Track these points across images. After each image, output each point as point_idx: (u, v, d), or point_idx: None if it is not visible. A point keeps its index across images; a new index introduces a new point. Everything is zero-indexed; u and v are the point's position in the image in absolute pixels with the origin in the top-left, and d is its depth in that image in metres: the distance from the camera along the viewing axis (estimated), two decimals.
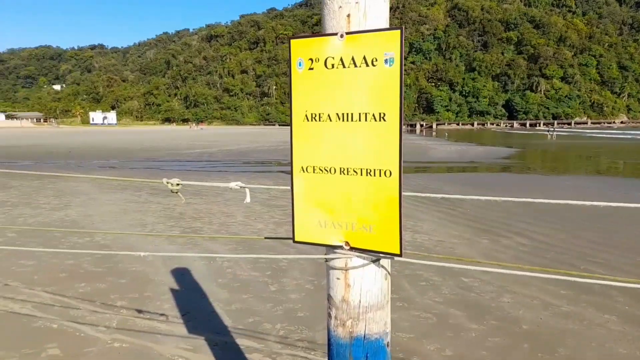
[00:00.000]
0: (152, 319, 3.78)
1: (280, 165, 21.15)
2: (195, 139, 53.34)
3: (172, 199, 10.01)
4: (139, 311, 3.93)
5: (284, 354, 3.24)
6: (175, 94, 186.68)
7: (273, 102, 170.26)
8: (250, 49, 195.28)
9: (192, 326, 3.67)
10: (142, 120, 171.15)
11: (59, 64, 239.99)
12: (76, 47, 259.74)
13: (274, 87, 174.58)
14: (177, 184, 1.74)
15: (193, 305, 4.14)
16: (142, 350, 3.28)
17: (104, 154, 27.04)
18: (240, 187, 1.65)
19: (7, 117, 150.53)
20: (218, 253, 5.81)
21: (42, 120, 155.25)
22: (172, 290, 4.46)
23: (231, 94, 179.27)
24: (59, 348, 3.30)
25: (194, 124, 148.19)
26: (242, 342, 3.43)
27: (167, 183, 1.73)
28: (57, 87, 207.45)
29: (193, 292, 4.46)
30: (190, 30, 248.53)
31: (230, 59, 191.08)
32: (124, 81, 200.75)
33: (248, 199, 1.65)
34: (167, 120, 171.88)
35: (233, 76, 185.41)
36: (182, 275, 4.95)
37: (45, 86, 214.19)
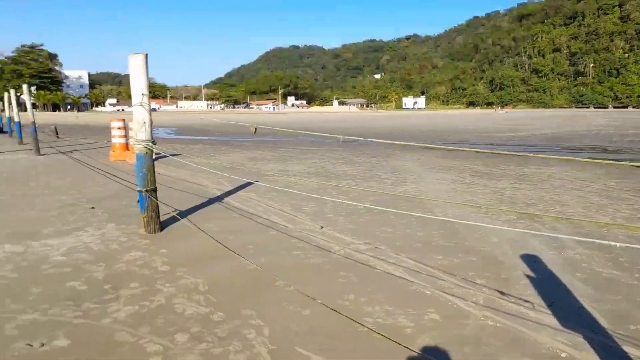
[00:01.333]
0: (517, 304, 3.64)
1: (606, 152, 18.23)
2: (500, 122, 51.03)
3: (499, 183, 9.72)
4: (501, 293, 3.85)
5: None
6: (481, 78, 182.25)
7: (589, 82, 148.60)
8: (566, 24, 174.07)
9: (563, 319, 3.38)
10: (447, 105, 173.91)
11: (380, 55, 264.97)
12: (394, 39, 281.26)
13: (592, 65, 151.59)
14: None
15: (556, 296, 3.82)
16: (517, 335, 3.18)
17: (417, 135, 28.47)
18: None
19: (340, 103, 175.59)
20: (563, 242, 5.27)
21: (364, 105, 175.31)
22: (528, 277, 4.24)
23: (540, 74, 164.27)
24: (437, 314, 3.49)
25: (498, 108, 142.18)
26: (630, 350, 2.97)
27: None
28: (377, 76, 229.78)
29: (551, 282, 4.14)
30: (501, 11, 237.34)
31: (541, 37, 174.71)
32: (433, 67, 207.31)
33: None
34: (472, 104, 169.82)
35: (543, 56, 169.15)
36: (533, 261, 4.66)
37: (368, 75, 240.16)
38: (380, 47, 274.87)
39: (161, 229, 5.54)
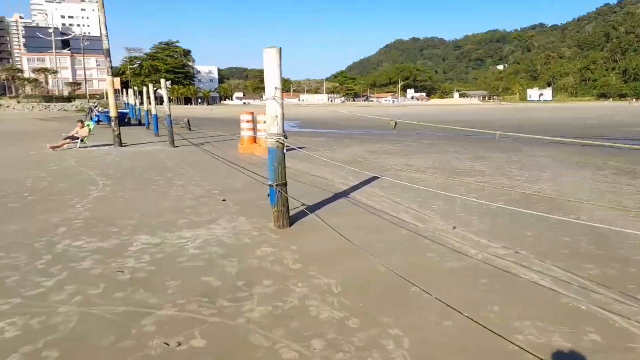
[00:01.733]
0: None
1: None
2: (638, 115, 44.90)
3: None
4: None
5: None
6: (613, 68, 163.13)
7: None
8: None
9: None
10: (576, 96, 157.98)
11: (503, 45, 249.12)
12: (519, 29, 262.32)
13: None
14: None
15: None
16: None
17: (547, 129, 25.93)
18: None
19: (461, 95, 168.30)
20: None
21: (486, 97, 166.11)
22: None
23: None
24: (598, 334, 2.89)
25: (633, 100, 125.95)
26: None
27: None
28: (500, 67, 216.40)
29: None
30: None
31: None
32: (560, 58, 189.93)
33: None
34: (602, 95, 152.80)
35: None
36: None
37: (490, 67, 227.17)
38: (503, 38, 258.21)
39: (290, 224, 5.42)
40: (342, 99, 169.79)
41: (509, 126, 28.45)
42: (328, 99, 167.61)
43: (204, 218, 5.92)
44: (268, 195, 5.41)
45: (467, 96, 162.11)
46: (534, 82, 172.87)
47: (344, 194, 7.26)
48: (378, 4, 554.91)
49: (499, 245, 4.61)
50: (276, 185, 5.21)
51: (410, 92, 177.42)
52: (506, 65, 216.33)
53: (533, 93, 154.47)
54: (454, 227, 5.22)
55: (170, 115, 16.73)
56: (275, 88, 5.00)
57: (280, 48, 4.95)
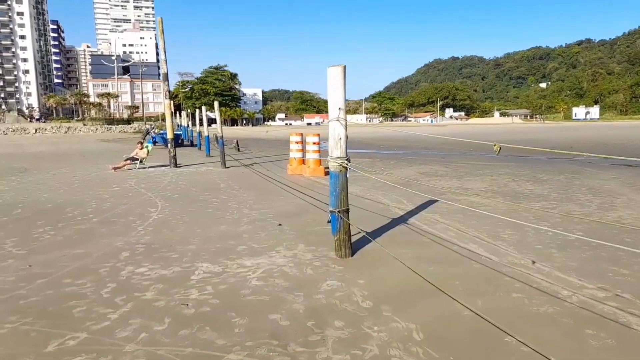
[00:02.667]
0: None
1: None
2: None
3: None
4: None
5: None
6: None
7: None
8: None
9: None
10: (625, 114, 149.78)
11: (546, 62, 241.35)
12: (563, 45, 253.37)
13: None
14: None
15: None
16: None
17: (602, 148, 24.47)
18: None
19: (501, 114, 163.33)
20: None
21: (528, 116, 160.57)
22: None
23: None
24: None
25: None
26: None
27: None
28: (542, 85, 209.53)
29: None
30: None
31: None
32: (609, 74, 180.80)
33: None
34: None
35: None
36: None
37: (532, 85, 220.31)
38: (547, 54, 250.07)
39: (352, 253, 5.07)
40: (380, 119, 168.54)
41: (561, 146, 27.08)
42: (367, 119, 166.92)
43: (262, 245, 5.66)
44: (328, 221, 5.10)
45: (508, 115, 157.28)
46: (579, 100, 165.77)
47: (402, 219, 6.84)
48: (417, 23, 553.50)
49: (593, 286, 4.06)
50: (338, 211, 4.88)
51: (449, 111, 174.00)
52: (549, 83, 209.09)
53: (579, 111, 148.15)
54: (534, 262, 4.70)
55: (222, 137, 16.85)
56: (339, 109, 4.71)
57: (345, 66, 4.66)
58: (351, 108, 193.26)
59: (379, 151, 25.22)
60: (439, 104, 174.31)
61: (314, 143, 13.44)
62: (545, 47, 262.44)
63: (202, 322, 3.45)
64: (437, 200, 8.15)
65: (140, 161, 15.87)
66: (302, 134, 14.36)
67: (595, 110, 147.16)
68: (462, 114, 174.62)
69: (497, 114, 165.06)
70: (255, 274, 4.53)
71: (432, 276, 4.21)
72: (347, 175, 4.89)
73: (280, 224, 6.78)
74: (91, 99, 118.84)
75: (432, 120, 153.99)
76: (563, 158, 18.56)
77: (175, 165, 16.19)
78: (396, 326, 3.31)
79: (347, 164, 4.83)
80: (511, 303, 3.72)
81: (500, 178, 11.74)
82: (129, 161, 15.64)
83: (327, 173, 13.72)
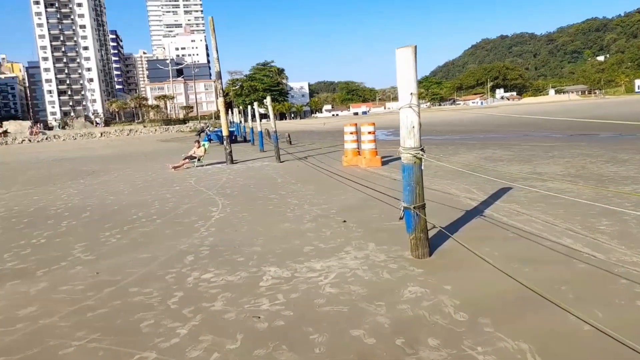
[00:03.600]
0: None
1: None
2: None
3: None
4: None
5: None
6: None
7: None
8: None
9: None
10: None
11: (603, 34, 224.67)
12: (622, 14, 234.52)
13: None
14: None
15: None
16: None
17: None
18: None
19: (557, 91, 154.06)
20: None
21: (586, 92, 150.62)
22: None
23: None
24: None
25: None
26: None
27: None
28: (600, 58, 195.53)
29: None
30: None
31: None
32: None
33: None
34: None
35: None
36: None
37: (589, 59, 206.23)
38: (604, 26, 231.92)
39: (430, 253, 4.54)
40: (428, 104, 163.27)
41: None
42: None
43: (330, 244, 5.24)
44: (401, 218, 4.58)
45: (564, 92, 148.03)
46: None
47: (477, 211, 6.20)
48: (463, 4, 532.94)
49: None
50: (414, 207, 4.36)
51: (500, 92, 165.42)
52: (607, 55, 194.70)
53: None
54: None
55: (276, 131, 16.61)
56: (411, 94, 4.17)
57: (415, 46, 4.11)
58: (396, 95, 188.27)
59: (434, 137, 24.13)
60: (489, 85, 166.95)
61: (369, 133, 12.88)
62: (602, 17, 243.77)
63: (277, 340, 3.07)
64: (510, 188, 7.42)
65: (198, 159, 15.93)
66: (356, 124, 13.81)
67: None
68: (514, 94, 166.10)
69: (552, 91, 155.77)
70: (327, 280, 4.12)
71: (530, 280, 3.60)
72: (422, 168, 4.36)
73: (344, 221, 6.34)
74: (149, 102, 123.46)
75: (482, 103, 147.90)
76: (636, 134, 16.91)
77: (232, 162, 16.12)
78: (504, 346, 2.75)
79: (422, 155, 4.30)
80: (638, 314, 3.07)
81: (574, 160, 10.69)
82: (187, 160, 15.73)
83: (384, 163, 13.25)
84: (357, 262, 4.53)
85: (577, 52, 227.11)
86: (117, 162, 20.39)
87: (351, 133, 13.62)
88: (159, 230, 6.75)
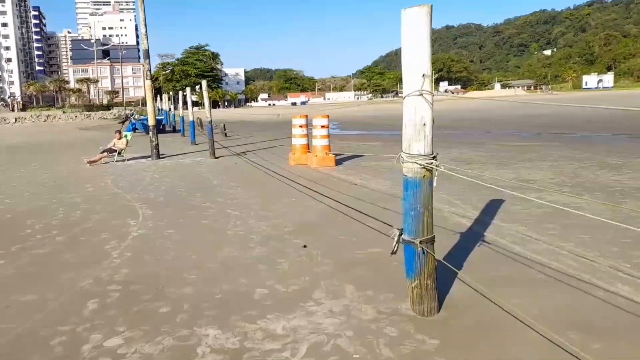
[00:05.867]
0: None
1: None
2: None
3: None
4: None
5: None
6: None
7: None
8: None
9: None
10: None
11: (551, 27, 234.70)
12: (572, 7, 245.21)
13: None
14: None
15: None
16: None
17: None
18: None
19: (502, 86, 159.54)
20: None
21: (532, 87, 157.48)
22: None
23: None
24: None
25: None
26: None
27: None
28: (547, 52, 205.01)
29: None
30: None
31: None
32: (625, 37, 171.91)
33: None
34: None
35: None
36: None
37: (535, 52, 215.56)
38: (552, 18, 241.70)
39: (439, 307, 3.37)
40: (369, 95, 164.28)
41: (603, 121, 25.22)
42: (355, 97, 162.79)
43: (291, 286, 3.96)
44: (393, 253, 3.39)
45: (510, 86, 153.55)
46: (590, 67, 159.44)
47: (474, 234, 5.15)
48: None
49: None
50: (420, 242, 3.18)
51: (444, 85, 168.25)
52: (554, 49, 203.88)
53: (590, 80, 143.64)
54: None
55: (211, 122, 15.01)
56: (423, 76, 2.97)
57: (431, 6, 2.90)
58: (337, 85, 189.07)
59: (387, 132, 23.31)
60: (433, 77, 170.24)
61: (322, 127, 11.66)
62: (551, 10, 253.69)
63: None
64: (502, 200, 6.49)
65: (119, 153, 14.09)
66: (307, 116, 12.56)
67: (608, 78, 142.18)
68: (459, 87, 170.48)
69: (497, 85, 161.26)
70: (296, 357, 2.84)
71: (588, 348, 2.53)
72: (434, 183, 3.19)
73: (305, 246, 5.10)
74: (71, 85, 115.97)
75: None
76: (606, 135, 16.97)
77: (158, 156, 14.43)
78: None
79: (435, 166, 3.12)
80: None
81: (559, 164, 10.00)
82: (106, 153, 13.88)
83: (337, 162, 12.08)
84: (334, 321, 3.28)
85: (524, 46, 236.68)
86: (27, 154, 18.13)
87: (300, 126, 12.33)
88: (57, 253, 5.30)
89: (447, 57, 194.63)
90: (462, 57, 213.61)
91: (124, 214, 7.03)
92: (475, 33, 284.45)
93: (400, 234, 3.39)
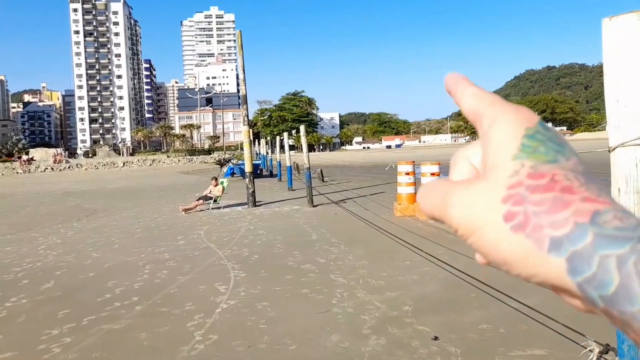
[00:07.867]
0: None
1: None
2: None
3: None
4: None
5: None
6: None
7: None
8: None
9: None
10: None
11: None
12: None
13: None
14: None
15: None
16: None
17: None
18: None
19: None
20: None
21: None
22: None
23: None
24: None
25: None
26: None
27: None
28: None
29: None
30: None
31: None
32: None
33: None
34: None
35: None
36: None
37: None
38: None
39: None
40: (467, 138, 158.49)
41: None
42: (452, 139, 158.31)
43: None
44: None
45: None
46: None
47: None
48: (505, 33, 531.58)
49: None
50: None
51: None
52: None
53: None
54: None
55: (309, 168, 14.25)
56: None
57: None
58: (433, 128, 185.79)
59: None
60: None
61: (433, 174, 10.37)
62: None
63: None
64: None
65: (215, 200, 13.74)
66: (414, 163, 11.34)
67: None
68: (564, 128, 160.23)
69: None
70: None
71: None
72: None
73: (436, 337, 3.82)
74: (176, 131, 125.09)
75: None
76: None
77: (254, 204, 13.85)
78: None
79: None
80: None
81: None
82: (201, 201, 13.56)
83: None
84: None
85: None
86: (126, 199, 18.57)
87: (407, 174, 11.12)
88: (131, 330, 4.54)
89: (550, 97, 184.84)
90: (566, 98, 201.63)
91: (214, 277, 6.23)
92: (579, 73, 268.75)
93: (604, 353, 2.04)
